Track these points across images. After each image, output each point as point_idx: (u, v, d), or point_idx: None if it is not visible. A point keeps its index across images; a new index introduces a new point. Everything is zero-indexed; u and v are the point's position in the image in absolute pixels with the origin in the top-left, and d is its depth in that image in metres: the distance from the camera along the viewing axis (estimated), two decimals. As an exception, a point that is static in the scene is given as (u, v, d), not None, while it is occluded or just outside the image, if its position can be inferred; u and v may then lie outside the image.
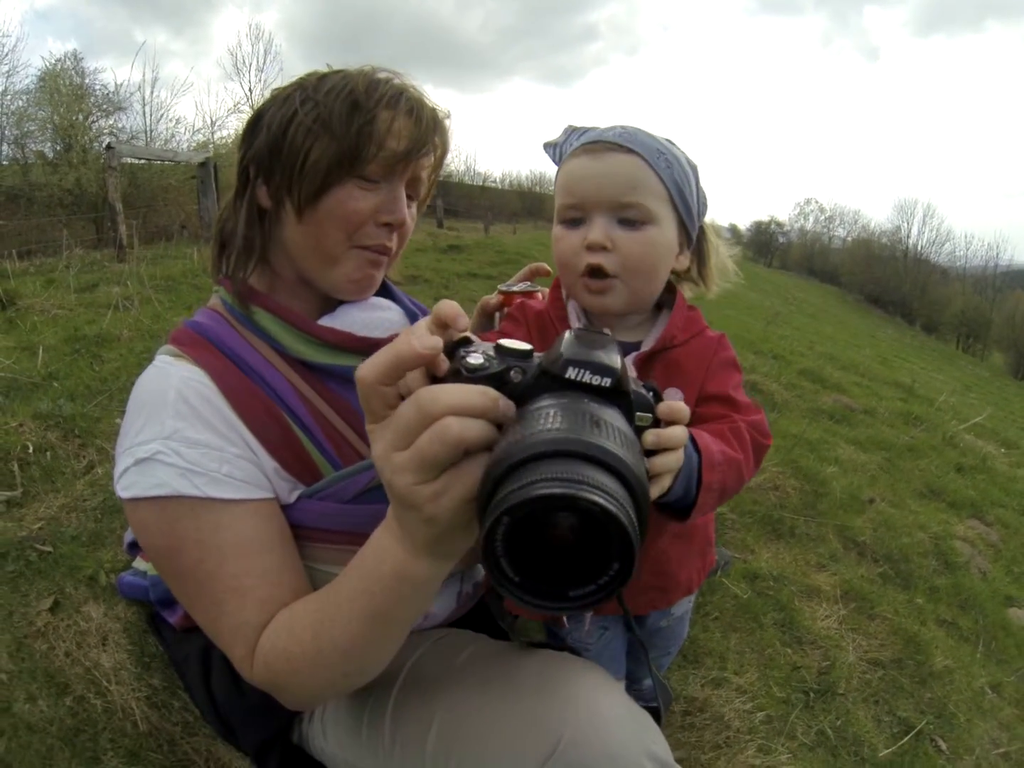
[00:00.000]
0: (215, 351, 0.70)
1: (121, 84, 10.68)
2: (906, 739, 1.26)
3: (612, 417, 0.39)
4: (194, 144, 10.75)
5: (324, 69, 0.73)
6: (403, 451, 0.41)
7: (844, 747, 1.21)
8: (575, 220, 0.72)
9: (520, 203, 33.73)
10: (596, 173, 0.69)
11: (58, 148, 9.15)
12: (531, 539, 0.34)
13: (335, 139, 0.67)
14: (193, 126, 12.68)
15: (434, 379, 0.44)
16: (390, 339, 0.76)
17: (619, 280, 0.71)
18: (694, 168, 0.75)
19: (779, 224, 55.67)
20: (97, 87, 10.13)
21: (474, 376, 0.42)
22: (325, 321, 0.75)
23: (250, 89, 17.08)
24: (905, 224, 43.35)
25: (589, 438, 0.34)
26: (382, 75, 0.71)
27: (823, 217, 53.59)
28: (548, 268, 0.99)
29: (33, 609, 1.13)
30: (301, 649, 0.58)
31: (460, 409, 0.40)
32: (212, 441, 0.64)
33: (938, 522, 2.18)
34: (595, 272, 0.71)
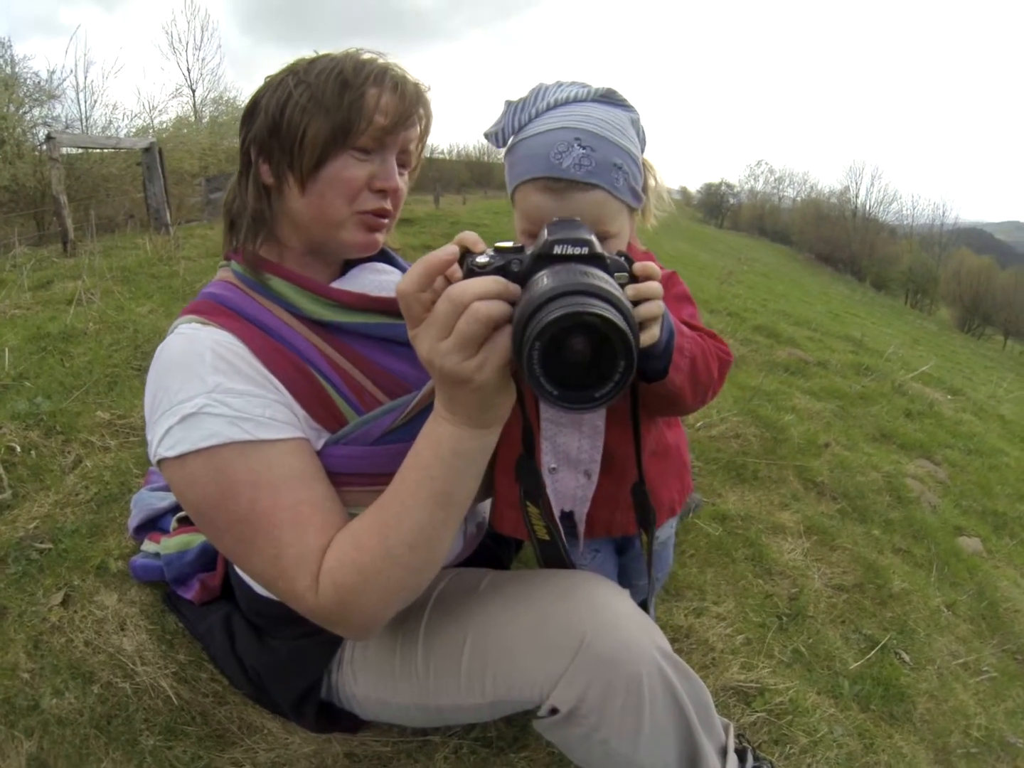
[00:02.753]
0: (237, 317, 0.74)
1: (53, 71, 9.88)
2: (872, 653, 1.38)
3: (597, 272, 0.50)
4: (134, 130, 10.21)
5: (311, 55, 0.77)
6: (446, 339, 0.51)
7: (818, 662, 1.32)
8: None
9: (469, 174, 33.01)
10: (560, 214, 0.69)
11: (-10, 144, 8.51)
12: (558, 360, 0.46)
13: (329, 115, 0.71)
14: (132, 112, 11.99)
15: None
16: None
17: None
18: (635, 122, 0.75)
19: (730, 186, 56.34)
20: (27, 75, 9.38)
21: (485, 271, 0.53)
22: (337, 285, 0.81)
23: (188, 69, 16.32)
24: (854, 184, 44.30)
25: (579, 279, 0.47)
26: (366, 56, 0.76)
27: (773, 178, 54.45)
28: None
29: (44, 606, 1.13)
30: (370, 556, 0.63)
31: (483, 294, 0.51)
32: (252, 390, 0.69)
33: (890, 462, 2.29)
34: None
